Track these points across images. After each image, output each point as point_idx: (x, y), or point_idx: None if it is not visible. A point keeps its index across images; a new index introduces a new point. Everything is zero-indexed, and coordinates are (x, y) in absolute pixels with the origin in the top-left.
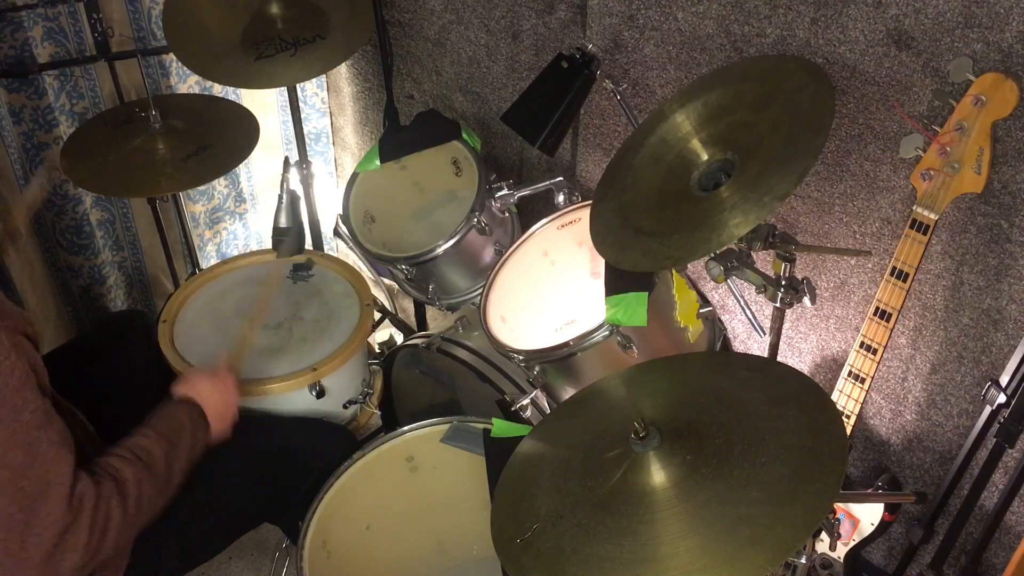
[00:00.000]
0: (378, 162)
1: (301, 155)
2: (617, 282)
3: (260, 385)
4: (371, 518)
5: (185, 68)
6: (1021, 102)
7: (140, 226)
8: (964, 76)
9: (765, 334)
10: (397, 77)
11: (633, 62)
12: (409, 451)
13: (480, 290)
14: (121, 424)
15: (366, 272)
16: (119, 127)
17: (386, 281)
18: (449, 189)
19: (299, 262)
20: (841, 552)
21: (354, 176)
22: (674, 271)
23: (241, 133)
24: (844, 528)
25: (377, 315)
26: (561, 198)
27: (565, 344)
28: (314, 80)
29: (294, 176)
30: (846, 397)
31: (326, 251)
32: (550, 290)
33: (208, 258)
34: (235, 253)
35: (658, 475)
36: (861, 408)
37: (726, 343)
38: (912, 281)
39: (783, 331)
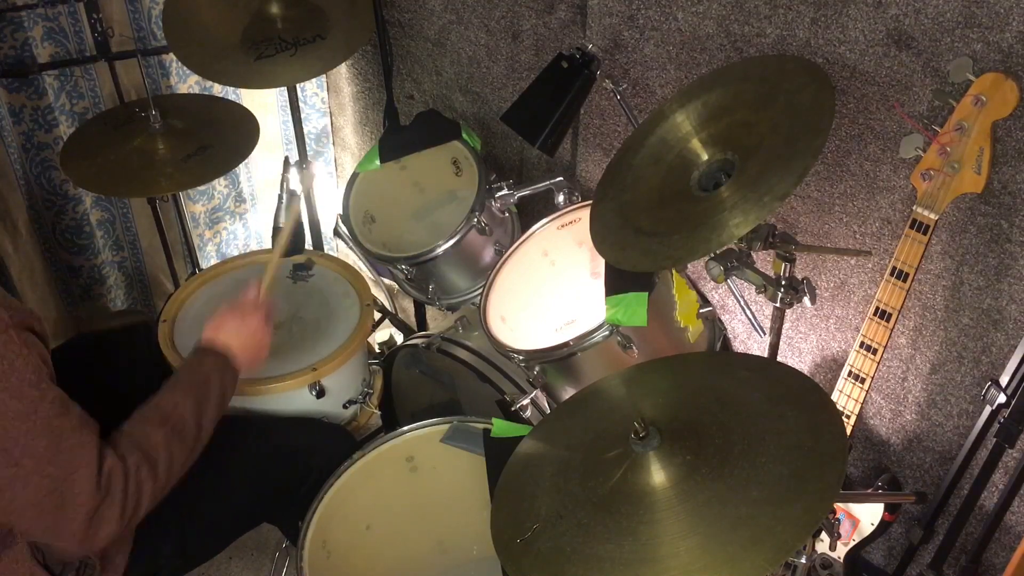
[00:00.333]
0: (378, 162)
1: (301, 155)
2: (617, 282)
3: (260, 385)
4: (371, 518)
5: (185, 68)
6: (1021, 102)
7: (140, 226)
8: (964, 76)
9: (765, 334)
10: (397, 77)
11: (633, 62)
12: (409, 451)
13: (480, 290)
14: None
15: (366, 272)
16: (119, 127)
17: (386, 281)
18: (449, 189)
19: (299, 262)
20: (841, 552)
21: (354, 176)
22: (674, 271)
23: (241, 133)
24: (844, 528)
25: (377, 315)
26: (561, 198)
27: (565, 344)
28: (314, 80)
29: (294, 176)
30: (846, 397)
31: (326, 251)
32: (550, 290)
33: (208, 258)
34: (235, 253)
35: (658, 475)
36: (861, 408)
37: (726, 343)
38: (912, 281)
39: (783, 331)
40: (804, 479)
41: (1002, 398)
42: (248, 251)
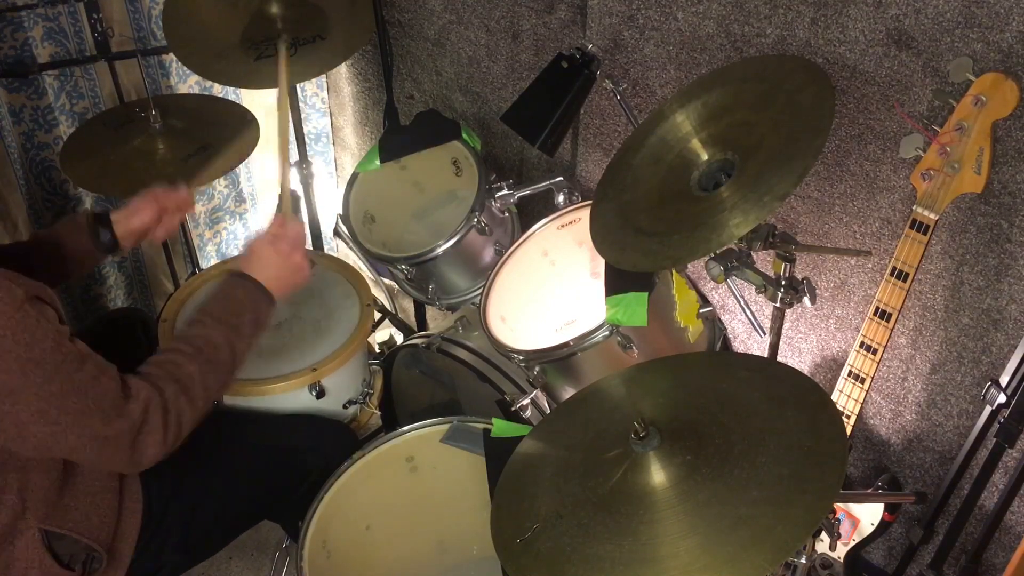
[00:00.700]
0: (378, 162)
1: (301, 155)
2: (617, 282)
3: (260, 385)
4: (371, 518)
5: (185, 68)
6: (1021, 102)
7: None
8: (964, 76)
9: (765, 334)
10: (397, 77)
11: (633, 62)
12: (409, 451)
13: (480, 290)
14: None
15: (366, 272)
16: (119, 127)
17: (386, 281)
18: (449, 189)
19: None
20: (841, 552)
21: (354, 176)
22: (674, 271)
23: (241, 133)
24: (844, 528)
25: (377, 315)
26: (561, 198)
27: (565, 344)
28: (314, 80)
29: (294, 176)
30: (846, 397)
31: (326, 251)
32: (550, 290)
33: (208, 258)
34: (235, 253)
35: (658, 475)
36: (861, 408)
37: (726, 343)
38: (912, 281)
39: (783, 331)
40: (804, 479)
41: (1002, 398)
42: None
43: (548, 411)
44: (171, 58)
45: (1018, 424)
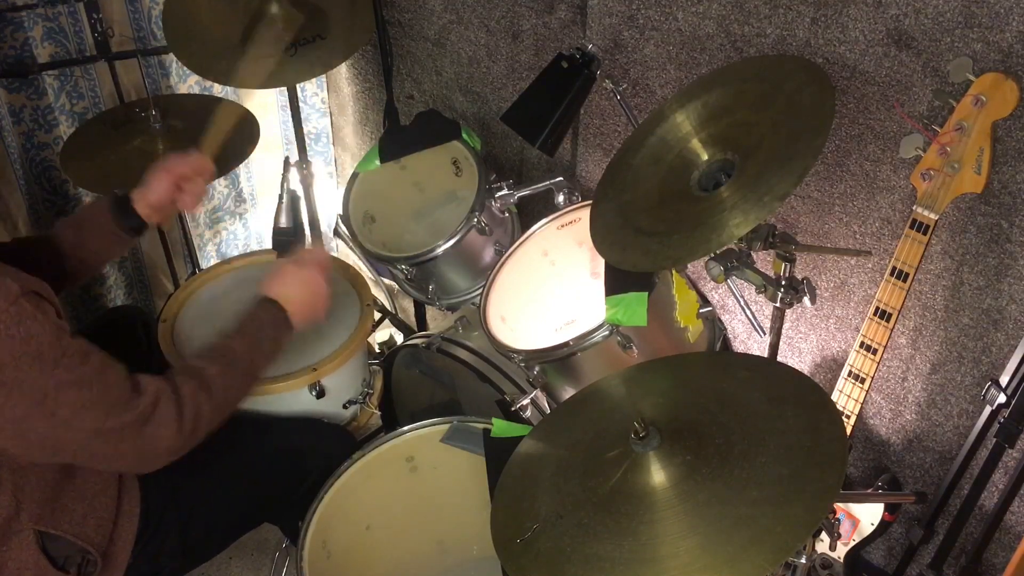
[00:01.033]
0: (378, 162)
1: (301, 155)
2: (617, 282)
3: (260, 385)
4: (371, 518)
5: (185, 68)
6: (1021, 102)
7: None
8: (964, 76)
9: (765, 334)
10: (397, 77)
11: (633, 62)
12: (409, 451)
13: (480, 290)
14: None
15: (366, 272)
16: (119, 127)
17: (386, 281)
18: (449, 189)
19: None
20: (841, 552)
21: (354, 176)
22: (674, 271)
23: (241, 133)
24: (844, 528)
25: (377, 315)
26: (561, 198)
27: (565, 344)
28: (314, 80)
29: (294, 176)
30: (846, 397)
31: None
32: (550, 290)
33: (208, 258)
34: (235, 253)
35: (658, 475)
36: (861, 408)
37: (726, 343)
38: (912, 281)
39: (783, 331)
40: (804, 479)
41: (1002, 398)
42: (248, 251)
43: (548, 411)
44: (171, 58)
45: (1018, 424)
